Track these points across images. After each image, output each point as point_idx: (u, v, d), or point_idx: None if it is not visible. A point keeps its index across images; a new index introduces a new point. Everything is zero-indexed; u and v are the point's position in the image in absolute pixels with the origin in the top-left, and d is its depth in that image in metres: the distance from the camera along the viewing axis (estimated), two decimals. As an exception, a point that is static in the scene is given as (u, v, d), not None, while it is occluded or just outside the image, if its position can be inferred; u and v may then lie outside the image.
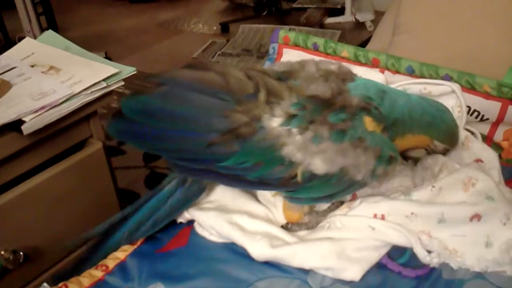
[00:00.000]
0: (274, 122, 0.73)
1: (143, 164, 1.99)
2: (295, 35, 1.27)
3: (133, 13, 3.88)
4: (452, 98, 1.03)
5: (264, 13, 3.55)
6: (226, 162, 0.74)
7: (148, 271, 0.82)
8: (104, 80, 1.03)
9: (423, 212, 0.81)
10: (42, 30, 2.35)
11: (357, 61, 1.19)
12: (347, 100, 0.76)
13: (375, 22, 3.04)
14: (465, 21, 1.33)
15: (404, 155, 0.92)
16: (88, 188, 1.10)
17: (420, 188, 0.86)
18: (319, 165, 0.74)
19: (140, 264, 0.84)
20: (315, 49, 1.25)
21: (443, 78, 1.07)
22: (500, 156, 0.99)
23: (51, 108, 0.94)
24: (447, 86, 1.04)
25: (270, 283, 0.78)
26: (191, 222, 0.90)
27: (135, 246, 0.88)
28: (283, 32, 1.29)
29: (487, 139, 1.06)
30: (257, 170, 0.75)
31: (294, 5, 3.60)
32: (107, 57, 2.46)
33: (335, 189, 0.79)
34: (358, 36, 3.08)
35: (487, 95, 1.04)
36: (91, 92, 1.01)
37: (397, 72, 1.14)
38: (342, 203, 0.89)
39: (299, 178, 0.75)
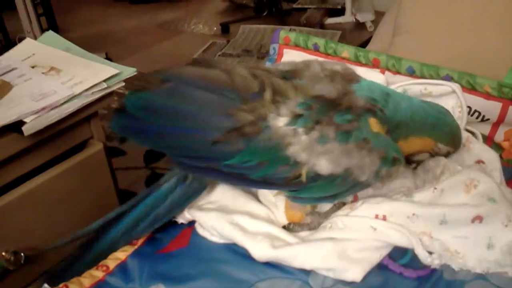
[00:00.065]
0: (280, 122, 0.73)
1: (144, 165, 1.99)
2: (296, 36, 1.27)
3: (133, 14, 3.87)
4: (452, 99, 1.02)
5: (265, 14, 3.54)
6: (230, 161, 0.74)
7: (149, 272, 0.82)
8: (104, 81, 1.03)
9: (424, 213, 0.81)
10: (43, 31, 2.35)
11: (357, 62, 1.19)
12: (353, 101, 0.76)
13: (376, 22, 3.04)
14: (465, 21, 1.33)
15: (408, 159, 0.92)
16: (89, 189, 1.10)
17: (421, 190, 0.86)
18: (324, 166, 0.74)
19: (141, 265, 0.83)
20: (316, 50, 1.25)
21: (443, 79, 1.07)
22: (500, 157, 0.98)
23: (51, 109, 0.94)
24: (448, 86, 1.03)
25: (271, 283, 0.78)
26: (192, 223, 0.90)
27: (136, 247, 0.88)
28: (284, 33, 1.29)
29: (488, 140, 1.06)
30: (261, 169, 0.75)
31: (295, 6, 3.59)
32: (108, 57, 2.46)
33: (338, 190, 0.79)
34: (359, 36, 3.08)
35: (487, 96, 1.04)
36: (92, 93, 1.01)
37: (398, 72, 1.14)
38: (344, 204, 0.89)
39: (303, 178, 0.75)
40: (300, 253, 0.78)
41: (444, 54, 1.29)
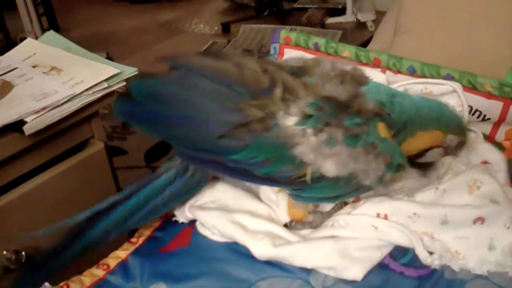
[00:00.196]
0: (289, 121, 0.72)
1: (145, 164, 1.99)
2: (296, 35, 1.27)
3: (134, 14, 3.88)
4: (453, 98, 1.02)
5: (265, 13, 3.55)
6: (236, 156, 0.73)
7: (150, 271, 0.82)
8: (105, 80, 1.03)
9: (426, 213, 0.81)
10: (44, 30, 2.36)
11: (358, 61, 1.19)
12: (363, 105, 0.76)
13: (376, 22, 3.04)
14: (465, 21, 1.33)
15: (421, 164, 0.91)
16: (90, 189, 1.10)
17: (423, 190, 0.86)
18: (330, 168, 0.74)
19: (142, 264, 0.84)
20: (316, 49, 1.25)
21: (444, 78, 1.07)
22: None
23: (52, 109, 0.94)
24: (449, 85, 1.04)
25: (272, 282, 0.78)
26: (193, 222, 0.90)
27: (137, 245, 0.88)
28: (284, 32, 1.29)
29: (489, 139, 1.06)
30: (267, 167, 0.74)
31: (295, 5, 3.60)
32: (109, 57, 2.46)
33: (341, 191, 0.79)
34: (359, 36, 3.08)
35: (488, 95, 1.04)
36: (93, 92, 1.01)
37: (399, 72, 1.14)
38: (345, 203, 0.89)
39: (308, 178, 0.75)
40: (301, 252, 0.79)
41: (445, 54, 1.29)
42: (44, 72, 1.06)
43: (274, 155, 0.73)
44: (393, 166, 0.77)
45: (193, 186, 0.87)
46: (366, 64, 1.18)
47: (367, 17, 3.22)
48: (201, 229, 0.88)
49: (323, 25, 3.31)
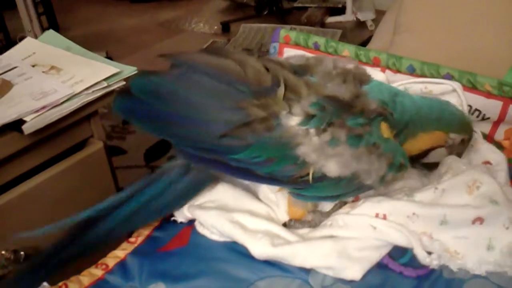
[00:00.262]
0: (292, 121, 0.72)
1: (144, 163, 1.99)
2: (296, 35, 1.27)
3: (134, 13, 3.87)
4: (453, 97, 1.02)
5: (265, 13, 3.55)
6: (238, 155, 0.73)
7: (149, 271, 0.82)
8: (105, 79, 1.03)
9: (425, 213, 0.81)
10: (43, 29, 2.35)
11: (358, 61, 1.19)
12: (365, 104, 0.75)
13: (376, 21, 3.04)
14: (465, 21, 1.33)
15: (426, 164, 0.90)
16: (89, 188, 1.10)
17: (423, 189, 0.86)
18: (332, 168, 0.73)
19: (140, 263, 0.83)
20: (316, 49, 1.24)
21: (444, 77, 1.07)
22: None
23: (52, 108, 0.94)
24: (448, 85, 1.04)
25: (271, 282, 0.78)
26: (192, 222, 0.90)
27: (136, 245, 0.88)
28: (284, 32, 1.28)
29: (488, 138, 1.06)
30: (269, 166, 0.74)
31: (295, 4, 3.60)
32: (108, 56, 2.46)
33: (342, 191, 0.79)
34: (359, 35, 3.08)
35: (488, 94, 1.04)
36: (92, 91, 1.01)
37: (398, 71, 1.14)
38: (345, 203, 0.89)
39: (310, 178, 0.75)
40: (300, 252, 0.78)
41: (444, 53, 1.29)
42: (43, 71, 1.06)
43: (277, 155, 0.73)
44: (395, 166, 0.77)
45: (196, 186, 0.86)
46: (366, 63, 1.18)
47: (367, 16, 3.22)
48: (200, 229, 0.88)
49: (323, 24, 3.31)
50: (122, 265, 0.84)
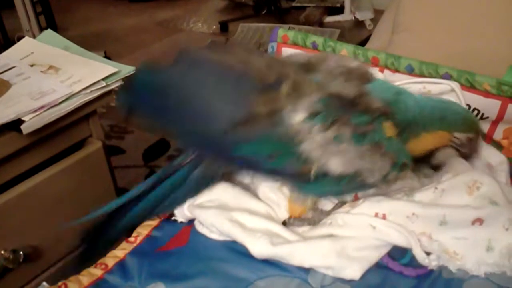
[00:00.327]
0: (296, 118, 0.72)
1: (143, 163, 1.99)
2: (294, 34, 1.27)
3: (132, 12, 3.87)
4: (451, 97, 1.02)
5: (264, 12, 3.54)
6: (241, 150, 0.73)
7: (148, 270, 0.82)
8: (103, 79, 1.02)
9: (424, 213, 0.81)
10: (41, 29, 2.35)
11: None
12: (369, 103, 0.75)
13: (375, 20, 3.04)
14: (464, 20, 1.33)
15: (433, 166, 0.88)
16: (88, 188, 1.10)
17: (422, 189, 0.86)
18: (335, 166, 0.73)
19: (140, 263, 0.83)
20: (314, 48, 1.24)
21: (442, 77, 1.07)
22: (500, 155, 0.99)
23: (50, 108, 0.94)
24: (447, 84, 1.04)
25: (270, 282, 0.78)
26: (191, 222, 0.90)
27: (135, 245, 0.88)
28: (282, 31, 1.28)
29: (487, 138, 1.06)
30: (272, 162, 0.74)
31: (294, 4, 3.59)
32: (107, 56, 2.46)
33: (344, 188, 0.79)
34: (358, 34, 3.08)
35: (486, 94, 1.04)
36: (91, 91, 1.01)
37: (397, 71, 1.14)
38: (344, 203, 0.89)
39: (312, 174, 0.74)
40: (299, 251, 0.78)
41: (443, 52, 1.29)
42: (42, 71, 1.06)
43: (280, 151, 0.73)
44: (397, 166, 0.77)
45: (207, 180, 0.86)
46: (364, 63, 1.18)
47: (365, 15, 3.22)
48: (199, 228, 0.88)
49: (321, 24, 3.31)
50: (121, 265, 0.84)
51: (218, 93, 0.72)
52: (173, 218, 0.92)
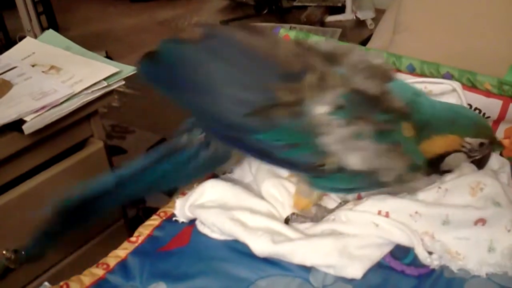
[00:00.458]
0: (320, 109, 0.71)
1: (144, 163, 1.99)
2: (295, 34, 1.27)
3: (133, 12, 3.87)
4: (453, 97, 1.02)
5: (265, 12, 3.54)
6: (260, 136, 0.72)
7: (149, 270, 0.82)
8: (104, 79, 1.03)
9: (427, 213, 0.81)
10: (43, 29, 2.35)
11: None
12: (391, 102, 0.75)
13: (376, 20, 3.03)
14: (465, 20, 1.33)
15: (441, 168, 0.87)
16: (89, 188, 1.09)
17: (426, 188, 0.86)
18: (353, 161, 0.73)
19: (141, 263, 0.84)
20: (316, 48, 1.24)
21: (444, 76, 1.07)
22: (501, 155, 0.99)
23: (51, 108, 0.94)
24: (448, 84, 1.03)
25: (272, 281, 0.78)
26: (192, 222, 0.90)
27: (136, 245, 0.88)
28: (284, 31, 1.28)
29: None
30: (290, 151, 0.73)
31: (295, 3, 3.59)
32: (108, 56, 2.46)
33: (357, 185, 0.79)
34: (359, 34, 3.07)
35: (488, 93, 1.04)
36: (92, 91, 1.01)
37: (398, 70, 1.14)
38: (347, 202, 0.89)
39: (328, 168, 0.74)
40: (301, 249, 0.78)
41: (444, 52, 1.29)
42: (43, 71, 1.06)
43: (300, 141, 0.73)
44: (412, 166, 0.76)
45: (216, 161, 0.85)
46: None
47: (366, 15, 3.21)
48: (200, 227, 0.88)
49: (322, 23, 3.30)
50: (123, 265, 0.84)
51: (244, 75, 0.71)
52: (174, 218, 0.92)
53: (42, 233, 0.83)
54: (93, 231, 1.14)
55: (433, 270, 0.77)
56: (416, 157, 0.77)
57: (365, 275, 0.77)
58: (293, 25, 3.15)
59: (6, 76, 1.04)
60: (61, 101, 0.96)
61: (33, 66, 1.09)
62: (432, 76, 1.08)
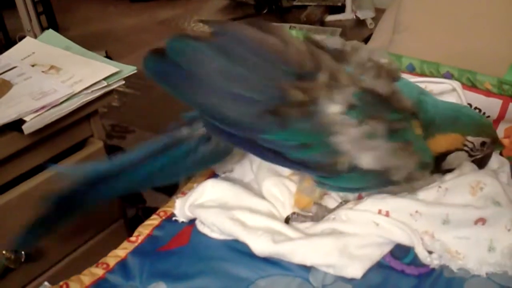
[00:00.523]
0: (333, 109, 0.71)
1: (144, 163, 1.99)
2: (295, 33, 1.27)
3: (133, 12, 3.87)
4: (453, 96, 1.02)
5: (265, 11, 3.54)
6: (271, 136, 0.71)
7: (149, 270, 0.82)
8: (104, 79, 1.02)
9: (428, 212, 0.81)
10: (43, 29, 2.35)
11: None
12: (401, 101, 0.75)
13: (376, 19, 3.03)
14: (465, 19, 1.32)
15: (442, 167, 0.87)
16: (89, 187, 1.09)
17: (426, 188, 0.86)
18: (365, 161, 0.73)
19: (141, 263, 0.84)
20: (316, 47, 1.24)
21: (444, 76, 1.07)
22: (500, 154, 0.99)
23: (51, 108, 0.94)
24: (448, 84, 1.03)
25: (272, 281, 0.78)
26: (192, 221, 0.90)
27: (136, 244, 0.88)
28: (284, 30, 1.28)
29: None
30: (301, 151, 0.73)
31: (295, 3, 3.59)
32: (108, 56, 2.46)
33: (367, 184, 0.78)
34: (359, 33, 3.07)
35: (488, 93, 1.04)
36: (92, 91, 1.01)
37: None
38: (348, 202, 0.89)
39: (340, 167, 0.74)
40: (301, 249, 0.78)
41: (444, 52, 1.29)
42: (43, 71, 1.06)
43: (312, 141, 0.72)
44: (421, 165, 0.77)
45: (216, 156, 0.84)
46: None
47: (366, 14, 3.21)
48: (200, 227, 0.88)
49: (322, 23, 3.30)
50: (122, 265, 0.84)
51: (254, 73, 0.70)
52: (174, 218, 0.92)
53: (35, 221, 0.81)
54: (93, 231, 1.14)
55: (433, 270, 0.77)
56: (426, 155, 0.77)
57: (365, 275, 0.77)
58: (293, 24, 3.15)
59: (6, 76, 1.04)
60: (61, 101, 0.96)
61: (33, 66, 1.09)
62: (432, 75, 1.09)
